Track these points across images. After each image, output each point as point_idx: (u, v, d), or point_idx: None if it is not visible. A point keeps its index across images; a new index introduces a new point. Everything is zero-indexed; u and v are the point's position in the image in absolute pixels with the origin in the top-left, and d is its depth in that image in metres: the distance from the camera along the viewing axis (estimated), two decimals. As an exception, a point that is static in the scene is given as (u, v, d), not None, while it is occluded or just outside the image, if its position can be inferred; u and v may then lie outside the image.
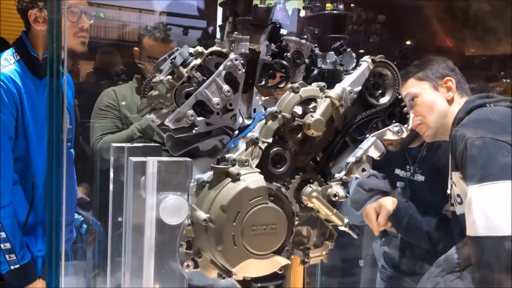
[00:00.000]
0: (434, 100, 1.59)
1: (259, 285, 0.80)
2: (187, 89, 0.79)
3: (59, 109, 0.87)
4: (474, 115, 1.43)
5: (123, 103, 1.89)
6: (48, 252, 0.87)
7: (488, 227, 1.22)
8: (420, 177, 1.92)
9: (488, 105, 1.43)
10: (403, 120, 0.88)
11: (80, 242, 1.80)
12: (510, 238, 1.19)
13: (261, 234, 0.74)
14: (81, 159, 1.91)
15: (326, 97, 0.82)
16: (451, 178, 1.46)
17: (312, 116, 0.80)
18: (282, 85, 0.87)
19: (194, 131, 0.79)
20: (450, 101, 1.59)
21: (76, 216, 1.80)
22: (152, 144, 0.88)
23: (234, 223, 0.72)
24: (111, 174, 0.89)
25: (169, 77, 0.81)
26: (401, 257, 1.82)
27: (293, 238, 0.80)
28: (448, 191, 1.51)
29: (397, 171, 1.97)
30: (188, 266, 0.77)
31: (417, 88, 1.59)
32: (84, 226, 1.79)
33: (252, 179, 0.74)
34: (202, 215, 0.73)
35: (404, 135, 0.88)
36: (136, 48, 2.01)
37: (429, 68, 1.63)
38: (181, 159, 0.78)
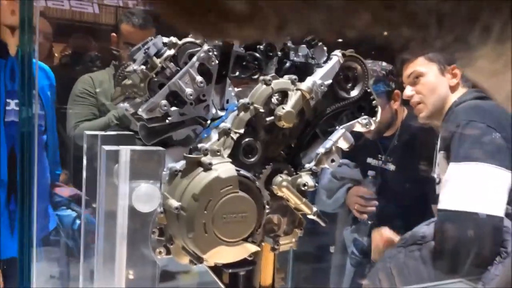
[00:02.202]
0: (438, 83, 1.62)
1: (230, 271, 0.82)
2: (160, 80, 0.80)
3: (30, 94, 0.87)
4: (471, 103, 1.48)
5: (100, 89, 1.87)
6: (20, 246, 0.88)
7: (458, 202, 1.27)
8: (391, 166, 1.97)
9: (486, 98, 1.47)
10: (372, 113, 0.90)
11: (73, 239, 1.78)
12: (476, 216, 1.24)
13: (232, 222, 0.75)
14: (61, 147, 1.89)
15: (297, 89, 0.83)
16: (436, 159, 1.52)
17: (283, 108, 0.81)
18: (255, 77, 0.88)
19: (167, 121, 0.80)
20: (453, 88, 1.62)
21: (69, 212, 1.79)
22: (126, 132, 0.88)
23: (205, 211, 0.73)
24: (84, 162, 0.90)
25: (143, 67, 0.81)
26: (370, 244, 1.88)
27: (264, 226, 0.81)
28: (434, 174, 1.56)
29: (369, 160, 2.01)
30: (160, 252, 0.78)
31: (424, 68, 1.63)
32: (77, 222, 1.78)
33: (224, 168, 0.75)
34: (174, 203, 0.73)
35: (372, 127, 0.90)
36: (113, 34, 1.98)
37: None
38: (154, 148, 0.78)
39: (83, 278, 0.92)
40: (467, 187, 1.31)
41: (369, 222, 1.94)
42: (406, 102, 1.84)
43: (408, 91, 1.66)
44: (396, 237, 1.69)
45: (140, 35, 1.80)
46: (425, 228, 1.39)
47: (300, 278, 1.98)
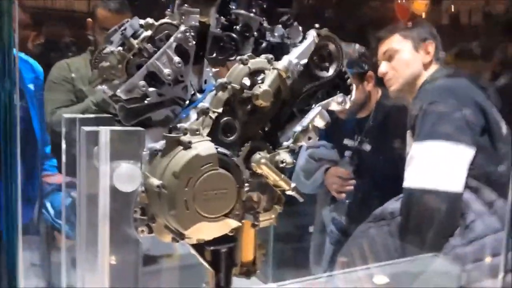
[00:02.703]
0: (412, 60, 1.67)
1: (211, 248, 0.84)
2: (138, 61, 0.80)
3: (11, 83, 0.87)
4: (439, 83, 1.52)
5: (77, 75, 1.84)
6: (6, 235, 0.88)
7: (420, 180, 1.32)
8: (367, 147, 2.01)
9: (455, 76, 1.51)
10: (347, 91, 0.92)
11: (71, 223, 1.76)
12: (437, 193, 1.29)
13: (212, 199, 0.76)
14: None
15: (273, 69, 0.84)
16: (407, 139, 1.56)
17: (260, 87, 0.82)
18: (232, 58, 0.89)
19: (146, 101, 0.80)
20: (426, 65, 1.66)
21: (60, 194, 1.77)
22: (105, 115, 0.88)
23: (186, 189, 0.73)
24: (63, 146, 0.89)
25: (120, 48, 0.81)
26: (349, 222, 1.92)
27: (244, 203, 0.82)
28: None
29: (346, 140, 2.05)
30: (142, 231, 0.79)
31: (399, 45, 1.66)
32: (69, 200, 1.76)
33: (203, 146, 0.76)
34: (155, 181, 0.74)
35: (347, 105, 0.91)
36: (89, 19, 1.95)
37: (415, 29, 1.69)
38: (134, 128, 0.79)
39: (66, 266, 0.93)
40: (428, 165, 1.35)
41: (347, 201, 1.98)
42: (380, 83, 1.87)
43: (383, 67, 1.69)
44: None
45: (116, 19, 1.77)
46: (395, 205, 1.44)
47: (281, 258, 2.01)
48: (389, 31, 1.69)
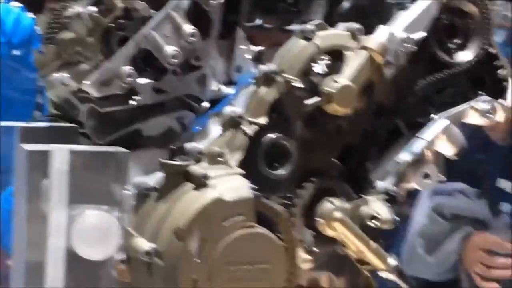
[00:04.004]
0: None
1: None
2: (121, 33, 0.81)
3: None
4: None
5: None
6: None
7: None
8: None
9: None
10: (498, 91, 0.91)
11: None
12: None
13: (243, 279, 0.75)
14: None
15: (361, 48, 0.83)
16: None
17: (335, 81, 0.81)
18: (287, 27, 0.90)
19: (133, 102, 0.81)
20: None
21: None
22: (63, 124, 0.90)
23: (198, 260, 0.74)
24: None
25: (93, 8, 0.82)
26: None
27: None
28: None
29: (502, 183, 1.98)
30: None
31: None
32: None
33: (230, 185, 0.76)
34: (144, 244, 0.74)
35: (499, 117, 0.90)
36: None
37: None
38: (111, 149, 0.79)
39: None
40: None
41: None
42: None
43: None
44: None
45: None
46: None
47: None
48: None
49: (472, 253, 1.92)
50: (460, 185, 1.97)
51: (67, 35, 0.85)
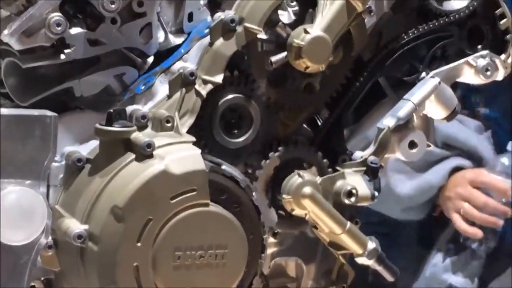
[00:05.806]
0: None
1: None
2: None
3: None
4: None
5: None
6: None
7: None
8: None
9: None
10: (498, 45, 0.88)
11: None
12: None
13: (195, 267, 0.75)
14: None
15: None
16: None
17: (306, 32, 0.77)
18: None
19: (63, 56, 0.77)
20: None
21: None
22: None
23: (139, 243, 0.72)
24: None
25: None
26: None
27: (265, 277, 0.79)
28: None
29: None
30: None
31: None
32: None
33: (179, 156, 0.74)
34: (75, 226, 0.73)
35: (500, 75, 0.88)
36: None
37: None
38: (35, 112, 0.75)
39: None
40: None
41: (484, 245, 1.90)
42: None
43: None
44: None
45: None
46: None
47: None
48: None
49: (460, 187, 1.89)
50: (462, 117, 1.97)
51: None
